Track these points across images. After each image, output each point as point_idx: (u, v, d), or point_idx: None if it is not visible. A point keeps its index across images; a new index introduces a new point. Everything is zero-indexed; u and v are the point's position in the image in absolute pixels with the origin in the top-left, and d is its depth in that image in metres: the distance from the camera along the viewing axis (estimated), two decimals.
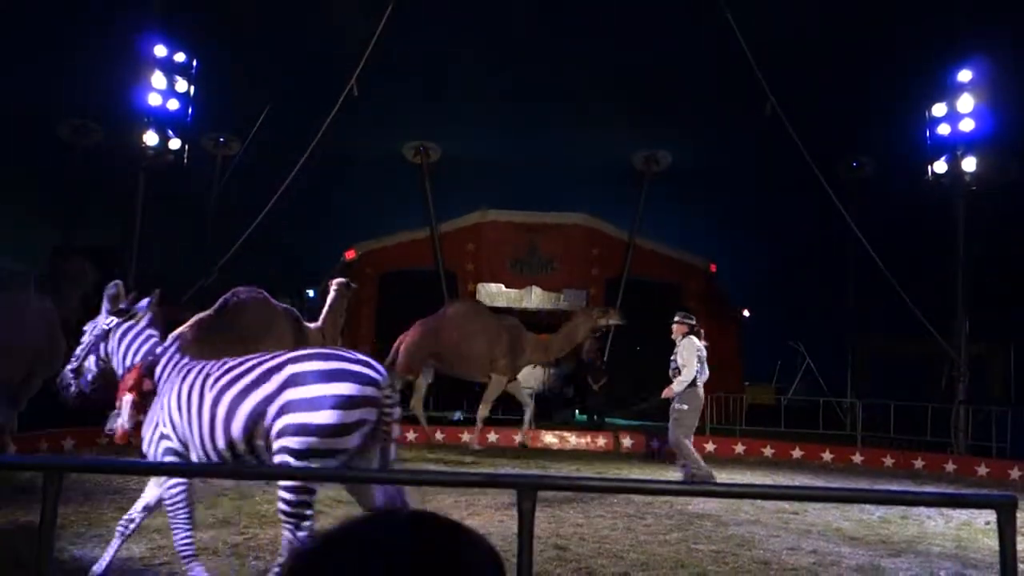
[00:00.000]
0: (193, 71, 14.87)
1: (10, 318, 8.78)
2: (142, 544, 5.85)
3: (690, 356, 9.71)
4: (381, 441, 4.53)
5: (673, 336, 9.99)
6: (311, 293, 21.81)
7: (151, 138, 13.98)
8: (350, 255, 19.46)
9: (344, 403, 4.32)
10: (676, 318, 10.09)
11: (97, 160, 17.80)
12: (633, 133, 19.38)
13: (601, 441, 14.57)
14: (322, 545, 0.93)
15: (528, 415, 13.61)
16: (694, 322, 10.08)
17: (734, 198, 20.10)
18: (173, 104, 14.46)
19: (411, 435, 13.58)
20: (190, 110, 14.85)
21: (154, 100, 14.15)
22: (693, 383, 9.72)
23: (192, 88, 14.85)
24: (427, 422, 13.72)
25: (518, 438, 13.63)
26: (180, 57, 14.69)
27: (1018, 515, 2.60)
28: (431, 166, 19.03)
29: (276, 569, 4.94)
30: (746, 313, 19.55)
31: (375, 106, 17.36)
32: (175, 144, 14.37)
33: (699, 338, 9.96)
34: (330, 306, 11.71)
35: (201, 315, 10.33)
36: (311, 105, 16.35)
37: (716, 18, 14.82)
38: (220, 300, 10.61)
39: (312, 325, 11.42)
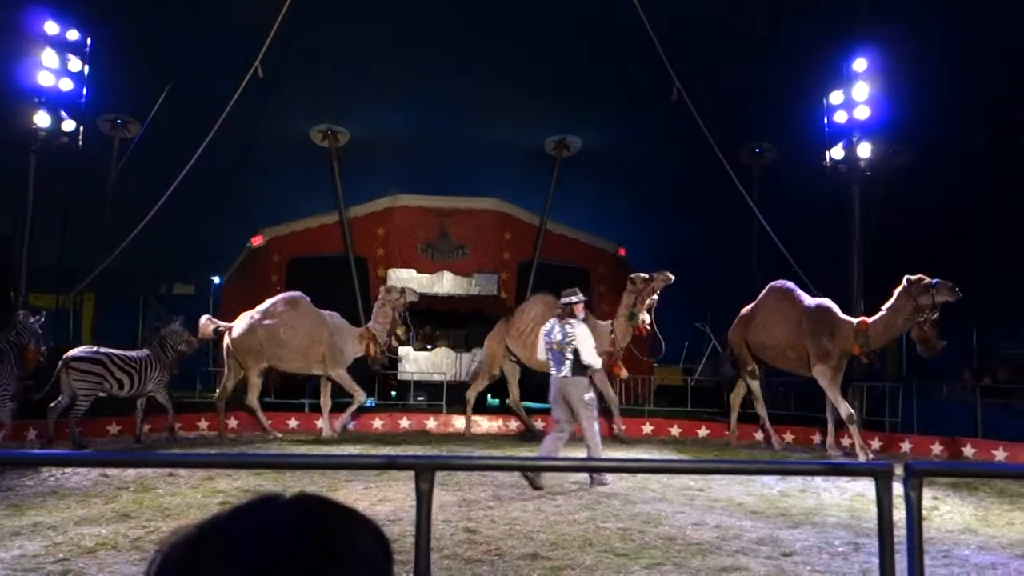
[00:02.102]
0: (88, 49, 14.25)
1: None
2: (36, 541, 5.65)
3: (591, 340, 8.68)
4: None
5: (576, 316, 8.69)
6: (216, 280, 21.29)
7: (42, 119, 13.33)
8: (257, 241, 19.05)
9: None
10: (576, 297, 8.82)
11: None
12: (544, 117, 19.49)
13: (513, 425, 14.70)
14: (196, 534, 0.88)
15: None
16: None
17: (642, 183, 20.40)
18: (66, 84, 13.82)
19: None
20: (85, 90, 14.23)
21: (45, 80, 13.50)
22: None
23: (87, 67, 14.23)
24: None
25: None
26: (73, 35, 14.04)
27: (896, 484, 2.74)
28: (339, 150, 18.73)
29: None
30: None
31: (281, 88, 17.00)
32: (69, 126, 13.75)
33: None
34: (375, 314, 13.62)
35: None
36: (214, 85, 15.86)
37: (624, 1, 14.98)
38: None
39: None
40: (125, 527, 6.10)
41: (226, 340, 13.34)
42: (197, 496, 7.49)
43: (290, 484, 8.27)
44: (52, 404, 11.22)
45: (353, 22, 17.03)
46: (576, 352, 8.42)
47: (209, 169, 15.49)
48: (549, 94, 18.93)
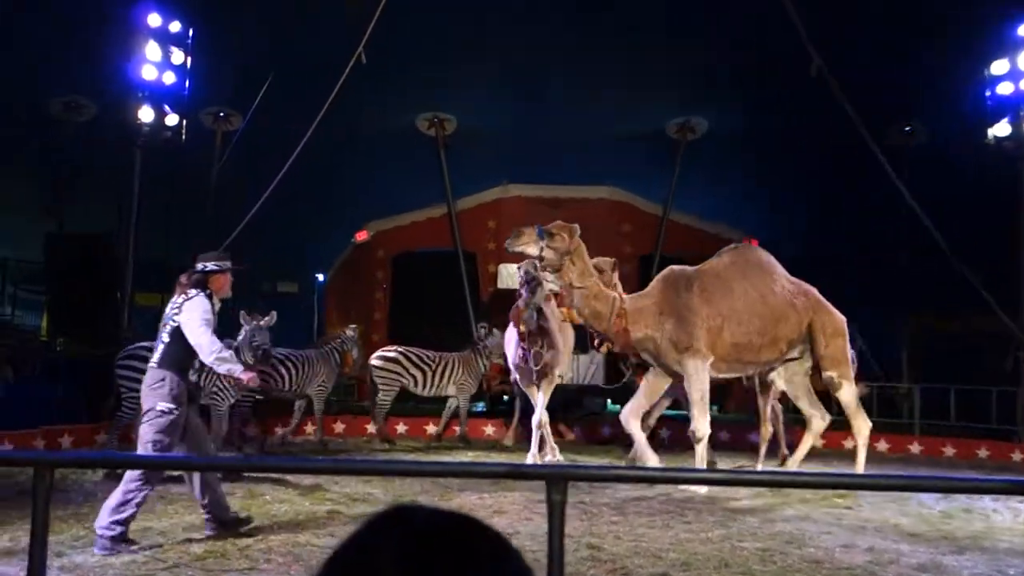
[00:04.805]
0: (190, 41, 14.85)
1: None
2: (145, 548, 5.88)
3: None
4: None
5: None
6: (320, 277, 21.91)
7: (147, 114, 13.97)
8: (361, 236, 19.47)
9: None
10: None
11: (89, 140, 17.90)
12: (666, 99, 19.22)
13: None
14: (349, 542, 0.95)
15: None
16: None
17: (776, 167, 19.92)
18: (169, 77, 14.45)
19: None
20: (187, 83, 14.84)
21: (149, 73, 14.14)
22: None
23: (189, 59, 14.83)
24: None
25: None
26: (176, 26, 14.67)
27: None
28: (447, 138, 18.94)
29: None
30: None
31: (386, 75, 17.30)
32: (172, 120, 14.38)
33: None
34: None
35: None
36: (317, 74, 16.30)
37: None
38: None
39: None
40: (233, 535, 6.29)
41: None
42: (305, 503, 7.67)
43: (400, 492, 8.40)
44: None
45: (460, 3, 17.20)
46: None
47: (312, 162, 15.93)
48: (671, 73, 18.66)
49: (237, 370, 6.17)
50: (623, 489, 8.58)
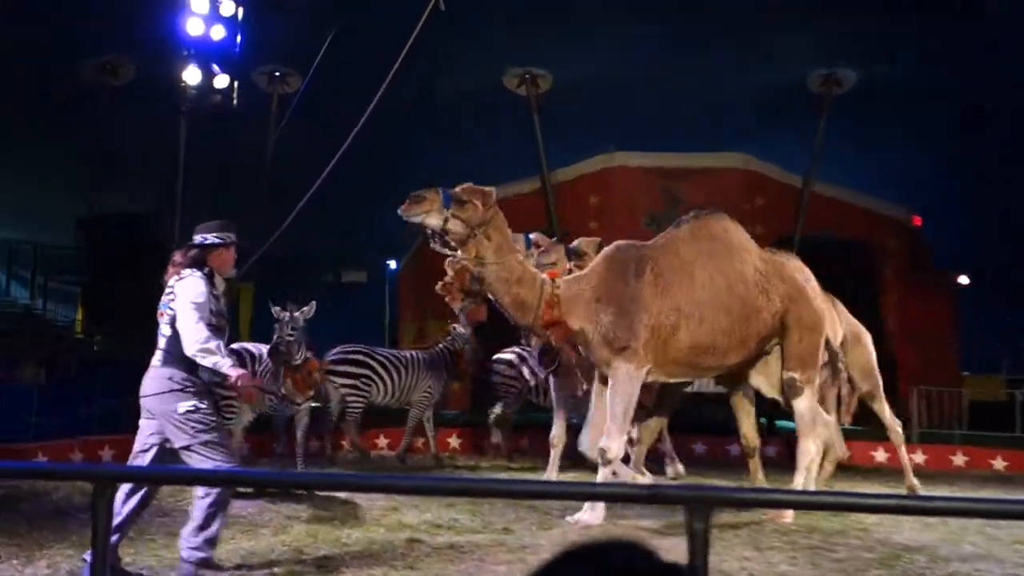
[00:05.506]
0: None
1: None
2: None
3: None
4: None
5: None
6: (392, 265, 22.17)
7: (192, 75, 14.28)
8: None
9: None
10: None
11: (127, 106, 18.41)
12: (805, 46, 18.85)
13: (772, 450, 14.34)
14: (563, 557, 1.08)
15: None
16: None
17: (944, 129, 19.39)
18: (218, 32, 14.73)
19: None
20: (239, 39, 15.13)
21: (195, 28, 14.44)
22: None
23: (240, 10, 15.11)
24: None
25: None
26: None
27: None
28: (541, 98, 18.93)
29: None
30: (963, 280, 18.88)
31: (468, 24, 17.37)
32: (222, 81, 14.66)
33: None
34: None
35: None
36: (387, 27, 16.46)
37: None
38: None
39: None
40: (299, 566, 6.42)
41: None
42: (380, 530, 7.77)
43: (490, 518, 8.44)
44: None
45: None
46: None
47: (382, 129, 16.10)
48: (810, 14, 18.30)
49: (224, 365, 5.89)
50: (747, 514, 8.45)
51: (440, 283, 8.93)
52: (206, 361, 5.86)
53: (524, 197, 19.36)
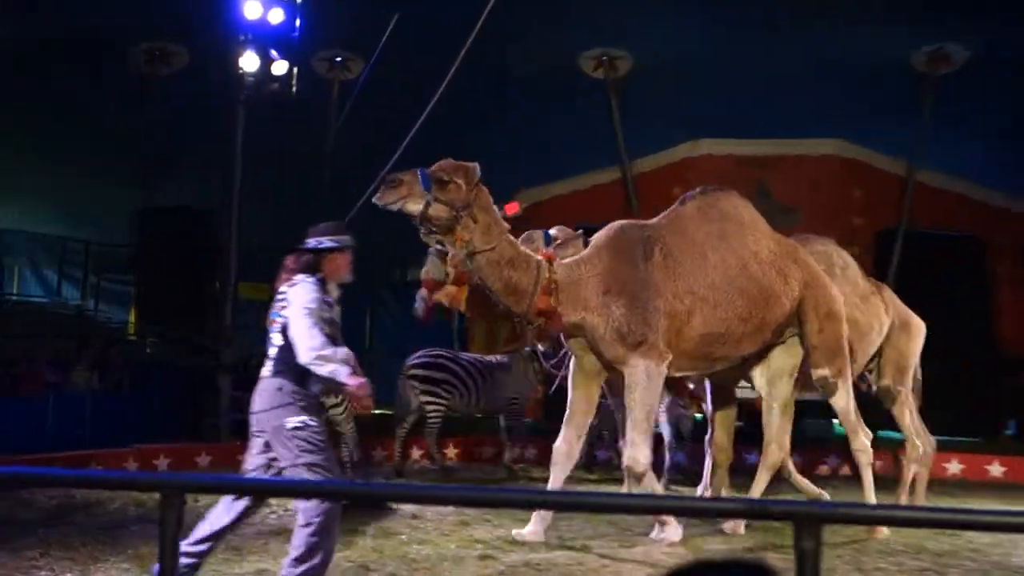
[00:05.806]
0: None
1: None
2: None
3: None
4: None
5: None
6: None
7: (249, 61, 14.43)
8: (512, 209, 19.49)
9: None
10: None
11: (180, 95, 18.69)
12: (909, 20, 18.54)
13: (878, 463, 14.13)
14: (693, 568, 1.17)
15: None
16: None
17: None
18: (276, 15, 14.87)
19: None
20: (298, 23, 15.25)
21: (252, 11, 14.58)
22: None
23: None
24: None
25: None
26: None
27: None
28: (619, 82, 18.89)
29: None
30: None
31: (540, 3, 17.36)
32: (280, 68, 14.80)
33: None
34: None
35: None
36: (454, 8, 16.51)
37: None
38: None
39: None
40: None
41: None
42: (450, 546, 7.84)
43: (567, 534, 8.46)
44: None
45: None
46: None
47: (449, 117, 16.15)
48: None
49: (342, 373, 5.78)
50: (837, 531, 8.35)
51: (443, 292, 9.09)
52: (322, 370, 5.78)
53: (601, 188, 19.35)
